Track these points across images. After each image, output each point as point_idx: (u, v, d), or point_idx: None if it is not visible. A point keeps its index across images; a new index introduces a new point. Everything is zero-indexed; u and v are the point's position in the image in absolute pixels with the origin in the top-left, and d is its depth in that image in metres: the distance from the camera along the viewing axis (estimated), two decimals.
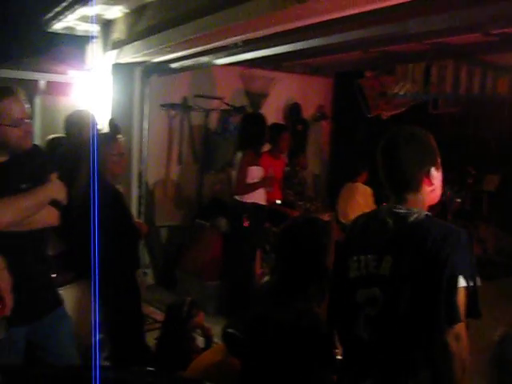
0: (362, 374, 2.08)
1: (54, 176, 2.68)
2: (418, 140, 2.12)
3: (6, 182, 2.59)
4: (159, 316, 5.26)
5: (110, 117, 4.26)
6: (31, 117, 2.62)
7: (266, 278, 4.00)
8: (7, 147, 2.59)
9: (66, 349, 2.79)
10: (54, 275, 2.96)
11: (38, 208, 2.60)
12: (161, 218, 6.50)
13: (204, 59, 5.31)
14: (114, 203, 3.48)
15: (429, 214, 2.08)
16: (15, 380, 2.04)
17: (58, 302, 2.88)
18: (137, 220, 3.97)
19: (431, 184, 2.12)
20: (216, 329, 4.05)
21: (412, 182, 2.10)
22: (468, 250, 1.98)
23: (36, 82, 7.08)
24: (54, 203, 2.66)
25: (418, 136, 2.14)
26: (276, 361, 2.36)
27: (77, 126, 3.85)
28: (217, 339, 3.98)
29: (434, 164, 2.12)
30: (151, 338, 4.21)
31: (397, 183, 2.13)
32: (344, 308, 2.20)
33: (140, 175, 6.23)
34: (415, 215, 2.04)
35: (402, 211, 2.06)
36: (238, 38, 4.59)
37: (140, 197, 6.22)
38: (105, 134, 3.78)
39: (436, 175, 2.12)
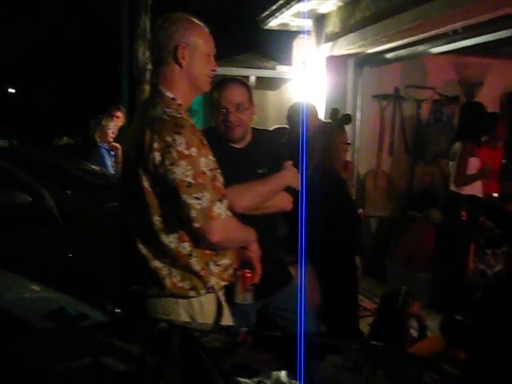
0: None
1: (289, 163, 2.76)
2: None
3: (244, 167, 2.71)
4: (367, 304, 5.32)
5: (332, 107, 4.36)
6: (244, 107, 2.73)
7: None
8: (225, 135, 2.71)
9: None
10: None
11: (274, 194, 2.69)
12: (370, 208, 6.53)
13: (421, 48, 5.22)
14: (339, 190, 3.59)
15: None
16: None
17: (289, 277, 2.97)
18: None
19: None
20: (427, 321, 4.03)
21: None
22: None
23: (247, 77, 7.51)
24: (288, 189, 2.74)
25: None
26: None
27: (299, 116, 4.02)
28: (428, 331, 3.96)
29: None
30: (363, 325, 4.28)
31: None
32: None
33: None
34: None
35: None
36: (460, 24, 4.46)
37: (351, 186, 6.31)
38: (332, 123, 3.89)
39: None
